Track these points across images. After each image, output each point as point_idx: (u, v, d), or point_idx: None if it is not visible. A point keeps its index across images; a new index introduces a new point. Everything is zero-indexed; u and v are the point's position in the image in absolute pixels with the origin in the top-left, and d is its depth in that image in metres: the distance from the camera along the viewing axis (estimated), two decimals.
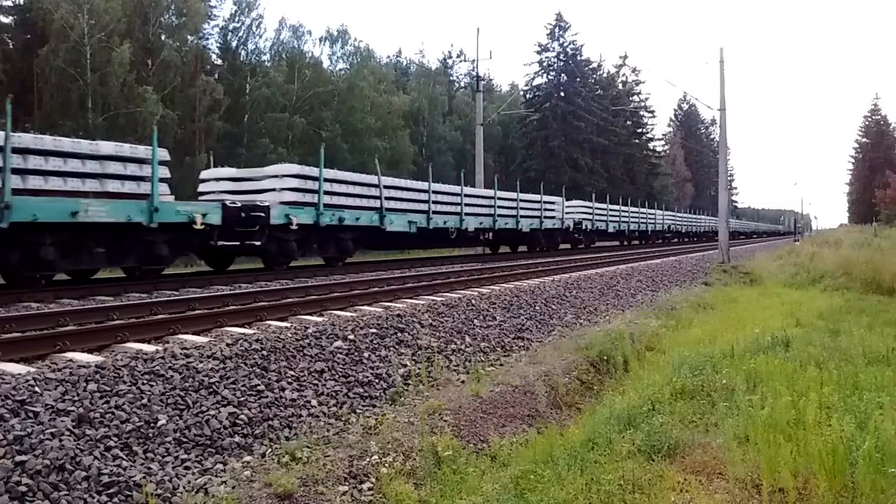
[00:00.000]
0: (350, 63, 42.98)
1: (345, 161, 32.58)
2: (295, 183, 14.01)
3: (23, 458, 3.82)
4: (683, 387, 5.90)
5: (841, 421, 4.38)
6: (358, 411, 5.76)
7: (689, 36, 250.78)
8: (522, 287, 11.87)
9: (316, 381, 6.02)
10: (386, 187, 16.34)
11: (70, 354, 5.54)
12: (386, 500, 4.33)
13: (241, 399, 5.27)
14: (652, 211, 41.42)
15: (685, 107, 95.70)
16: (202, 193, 14.97)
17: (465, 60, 57.97)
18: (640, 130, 69.52)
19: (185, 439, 4.63)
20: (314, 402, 5.67)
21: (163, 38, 32.64)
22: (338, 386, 6.09)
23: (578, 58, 58.35)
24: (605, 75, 66.38)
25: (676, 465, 4.30)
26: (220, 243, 11.94)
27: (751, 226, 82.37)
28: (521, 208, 22.99)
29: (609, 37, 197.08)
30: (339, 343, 6.85)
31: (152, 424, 4.60)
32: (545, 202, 24.87)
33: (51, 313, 7.24)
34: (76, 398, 4.54)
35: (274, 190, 13.86)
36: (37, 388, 4.49)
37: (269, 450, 4.76)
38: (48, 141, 9.70)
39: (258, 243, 12.63)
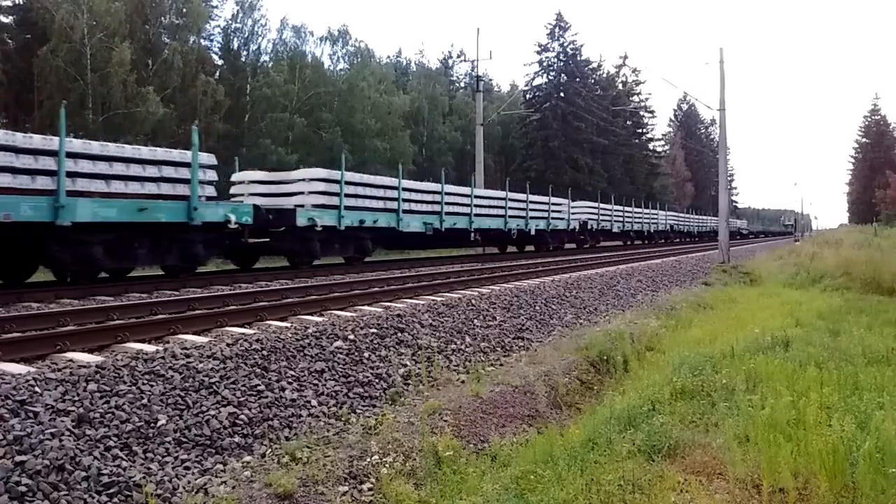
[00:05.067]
0: (350, 63, 42.92)
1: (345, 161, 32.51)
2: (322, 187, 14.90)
3: (23, 458, 3.82)
4: (683, 387, 5.90)
5: (841, 421, 4.38)
6: (358, 411, 5.76)
7: (689, 36, 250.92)
8: (522, 287, 11.87)
9: (316, 381, 6.02)
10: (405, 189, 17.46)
11: (70, 354, 5.54)
12: (386, 500, 4.33)
13: (241, 399, 5.27)
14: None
15: (685, 107, 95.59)
16: (234, 195, 15.58)
17: (465, 60, 57.97)
18: (640, 130, 69.53)
19: (184, 439, 4.63)
20: (314, 403, 5.67)
21: (164, 38, 32.62)
22: (338, 386, 6.09)
23: (578, 58, 58.32)
24: (604, 75, 66.39)
25: (676, 465, 4.30)
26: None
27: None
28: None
29: (609, 37, 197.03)
30: (339, 343, 6.84)
31: (152, 424, 4.60)
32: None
33: (51, 313, 7.24)
34: (76, 398, 4.54)
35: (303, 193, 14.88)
36: (37, 388, 4.49)
37: (269, 450, 4.76)
38: None
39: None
